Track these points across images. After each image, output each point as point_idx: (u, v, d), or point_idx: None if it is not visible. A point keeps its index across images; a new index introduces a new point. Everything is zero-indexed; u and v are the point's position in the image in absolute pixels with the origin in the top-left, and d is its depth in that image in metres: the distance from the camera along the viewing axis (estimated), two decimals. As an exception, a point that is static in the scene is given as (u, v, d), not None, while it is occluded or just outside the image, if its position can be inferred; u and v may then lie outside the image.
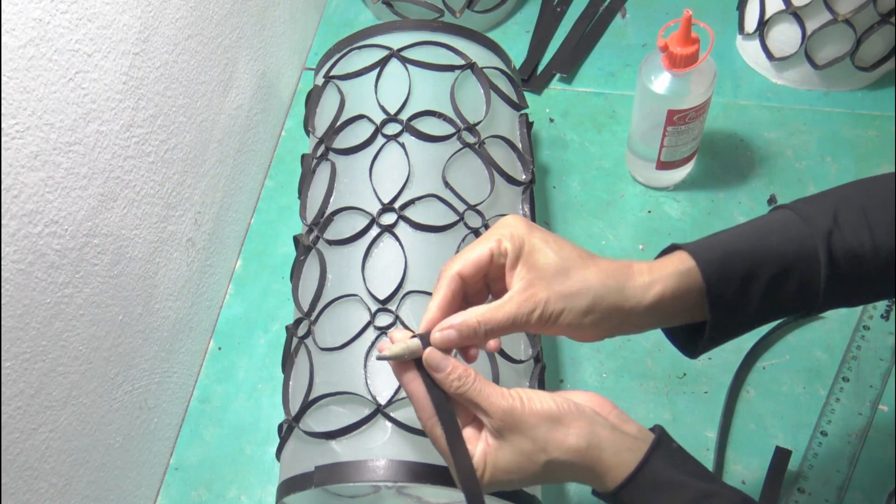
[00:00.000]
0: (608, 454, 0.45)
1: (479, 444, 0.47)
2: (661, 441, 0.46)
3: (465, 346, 0.49)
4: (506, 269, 0.49)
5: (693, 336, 0.51)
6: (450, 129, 0.69)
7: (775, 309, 0.49)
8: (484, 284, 0.51)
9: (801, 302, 0.49)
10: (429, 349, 0.47)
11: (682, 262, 0.48)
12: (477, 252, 0.48)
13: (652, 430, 0.47)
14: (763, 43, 0.87)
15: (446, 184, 0.66)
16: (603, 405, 0.48)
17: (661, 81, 0.74)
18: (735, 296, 0.48)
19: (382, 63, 0.72)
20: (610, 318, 0.48)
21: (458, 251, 0.64)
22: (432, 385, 0.47)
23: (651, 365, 0.75)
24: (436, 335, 0.47)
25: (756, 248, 0.48)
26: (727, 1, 0.95)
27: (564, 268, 0.47)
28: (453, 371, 0.46)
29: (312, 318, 0.64)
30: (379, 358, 0.48)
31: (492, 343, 0.50)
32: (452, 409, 0.47)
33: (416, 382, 0.47)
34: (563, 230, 0.83)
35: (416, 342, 0.47)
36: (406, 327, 0.61)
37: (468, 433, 0.47)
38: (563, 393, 0.48)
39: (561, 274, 0.47)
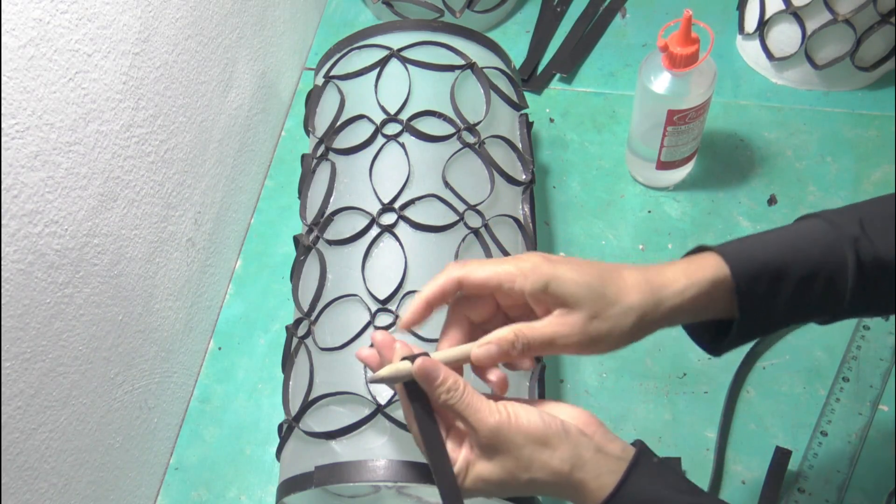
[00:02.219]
0: (590, 477, 0.45)
1: (461, 451, 0.47)
2: (641, 458, 0.46)
3: (508, 364, 0.49)
4: (532, 304, 0.48)
5: (716, 335, 0.51)
6: (450, 129, 0.69)
7: (802, 311, 0.49)
8: (491, 308, 0.50)
9: (827, 306, 0.49)
10: (422, 358, 0.46)
11: (716, 269, 0.48)
12: (486, 271, 0.47)
13: (633, 444, 0.47)
14: (763, 43, 0.87)
15: (446, 184, 0.66)
16: (589, 423, 0.48)
17: (661, 81, 0.74)
18: (764, 295, 0.48)
19: (382, 63, 0.72)
20: (648, 330, 0.48)
21: (457, 251, 0.64)
22: (418, 406, 0.47)
23: (651, 365, 0.75)
24: (476, 350, 0.47)
25: (786, 250, 0.48)
26: (727, 1, 0.95)
27: (600, 293, 0.47)
28: (444, 381, 0.46)
29: (312, 318, 0.64)
30: (371, 381, 0.47)
31: (527, 362, 0.50)
32: (436, 425, 0.47)
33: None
34: (563, 230, 0.84)
35: (406, 364, 0.46)
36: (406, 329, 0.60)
37: (451, 438, 0.47)
38: (549, 406, 0.48)
39: (599, 300, 0.47)
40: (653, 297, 0.47)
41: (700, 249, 0.50)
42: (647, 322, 0.47)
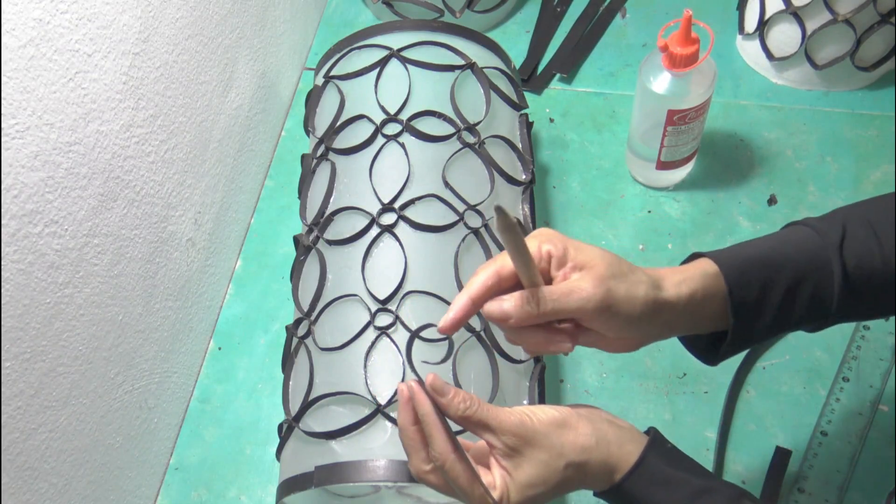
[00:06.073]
0: (614, 447, 0.47)
1: (494, 472, 0.47)
2: (657, 440, 0.48)
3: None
4: (551, 270, 0.48)
5: (712, 345, 0.53)
6: (450, 129, 0.69)
7: (792, 318, 0.51)
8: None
9: (815, 311, 0.50)
10: (431, 374, 0.47)
11: (707, 266, 0.50)
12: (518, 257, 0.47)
13: (646, 432, 0.49)
14: (763, 43, 0.87)
15: (446, 184, 0.66)
16: (591, 408, 0.50)
17: (661, 81, 0.74)
18: (755, 302, 0.49)
19: (382, 63, 0.72)
20: (653, 317, 0.48)
21: (457, 251, 0.64)
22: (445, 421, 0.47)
23: (651, 365, 0.75)
24: (502, 304, 0.47)
25: (773, 257, 0.50)
26: (727, 1, 0.95)
27: (615, 261, 0.48)
28: (457, 394, 0.47)
29: (312, 318, 0.64)
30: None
31: (567, 345, 0.49)
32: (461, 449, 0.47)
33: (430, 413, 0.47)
34: (563, 230, 0.83)
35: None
36: (405, 327, 0.61)
37: (479, 468, 0.48)
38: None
39: (614, 265, 0.48)
40: (653, 287, 0.48)
41: (694, 256, 0.52)
42: (653, 303, 0.48)
